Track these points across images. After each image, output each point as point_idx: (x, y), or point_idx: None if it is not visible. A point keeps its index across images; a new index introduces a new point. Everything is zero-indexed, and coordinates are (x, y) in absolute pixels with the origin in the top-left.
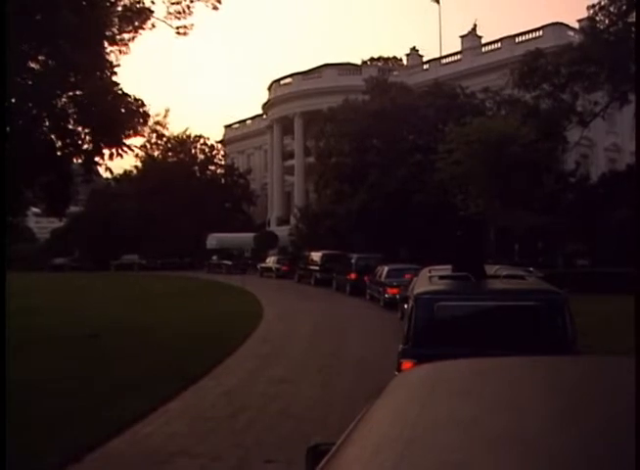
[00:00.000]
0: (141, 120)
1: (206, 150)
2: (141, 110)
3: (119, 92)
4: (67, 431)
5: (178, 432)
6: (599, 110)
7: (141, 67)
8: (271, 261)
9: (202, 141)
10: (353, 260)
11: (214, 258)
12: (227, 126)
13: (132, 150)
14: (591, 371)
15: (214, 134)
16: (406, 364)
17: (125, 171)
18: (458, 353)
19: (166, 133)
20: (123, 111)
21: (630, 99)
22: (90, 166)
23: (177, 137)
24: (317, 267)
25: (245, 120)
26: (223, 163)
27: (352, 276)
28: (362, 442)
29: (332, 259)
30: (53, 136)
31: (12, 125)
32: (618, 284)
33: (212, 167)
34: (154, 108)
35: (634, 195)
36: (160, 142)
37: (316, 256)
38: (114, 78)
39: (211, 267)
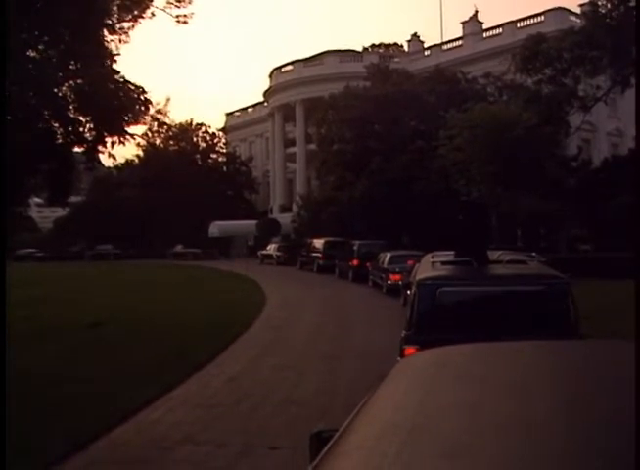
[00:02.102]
0: (142, 108)
1: (208, 138)
2: (142, 97)
3: (120, 80)
4: (71, 420)
5: (183, 419)
6: (601, 94)
7: (141, 56)
8: (272, 249)
9: (203, 129)
10: (356, 247)
11: (179, 247)
12: (228, 114)
13: (134, 138)
14: (595, 355)
15: (216, 122)
16: (409, 350)
17: (127, 160)
18: (461, 339)
19: (168, 121)
20: (124, 98)
21: (633, 83)
22: (92, 155)
23: (178, 125)
24: (319, 254)
25: (246, 108)
26: (225, 151)
27: (355, 263)
28: (365, 428)
29: (334, 247)
30: (54, 125)
31: (13, 114)
32: (620, 269)
33: (214, 156)
34: (155, 97)
35: (634, 181)
36: (161, 130)
37: (318, 243)
38: (115, 66)
39: (176, 256)
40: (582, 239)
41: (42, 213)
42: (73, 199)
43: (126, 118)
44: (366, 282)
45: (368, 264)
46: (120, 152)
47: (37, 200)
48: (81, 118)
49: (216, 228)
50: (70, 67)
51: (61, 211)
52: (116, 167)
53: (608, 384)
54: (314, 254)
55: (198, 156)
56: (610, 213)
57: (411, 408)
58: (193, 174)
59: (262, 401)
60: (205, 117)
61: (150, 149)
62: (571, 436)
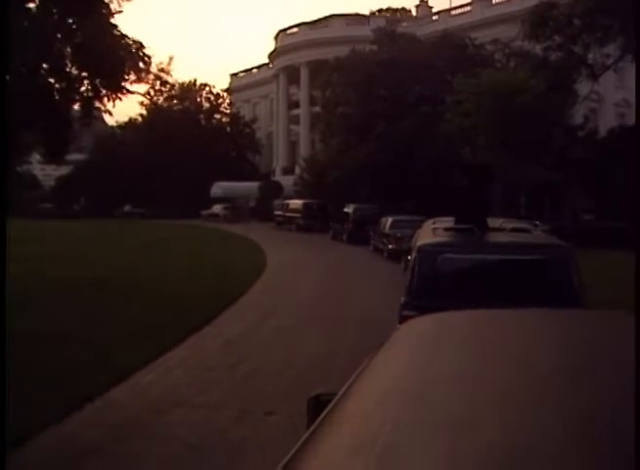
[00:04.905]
0: (141, 65)
1: (212, 98)
2: (140, 52)
3: (117, 34)
4: (67, 380)
5: (179, 382)
6: (610, 62)
7: (144, 15)
8: (218, 209)
9: (207, 89)
10: (351, 211)
11: (127, 207)
12: (233, 75)
13: (132, 92)
14: (598, 325)
15: (220, 82)
16: (408, 316)
17: (130, 119)
18: (461, 306)
19: (171, 81)
20: (122, 53)
21: None
22: (89, 110)
23: (182, 85)
24: (299, 215)
25: (251, 69)
26: (229, 111)
27: (350, 226)
28: (364, 393)
29: (313, 208)
30: (51, 80)
31: (10, 69)
32: (622, 238)
33: (218, 116)
34: (159, 56)
35: (634, 151)
36: (164, 89)
37: (295, 204)
38: (113, 21)
39: (125, 215)
40: (586, 208)
41: (45, 171)
42: (76, 157)
43: (124, 73)
44: (360, 244)
45: (367, 228)
46: (123, 111)
47: (40, 158)
48: (79, 73)
49: (219, 189)
50: (69, 20)
51: (64, 169)
52: (119, 126)
53: (610, 355)
54: (292, 214)
55: (201, 116)
56: (613, 183)
57: (410, 375)
58: (196, 134)
59: (260, 364)
60: (210, 78)
61: (153, 108)
62: (573, 407)
